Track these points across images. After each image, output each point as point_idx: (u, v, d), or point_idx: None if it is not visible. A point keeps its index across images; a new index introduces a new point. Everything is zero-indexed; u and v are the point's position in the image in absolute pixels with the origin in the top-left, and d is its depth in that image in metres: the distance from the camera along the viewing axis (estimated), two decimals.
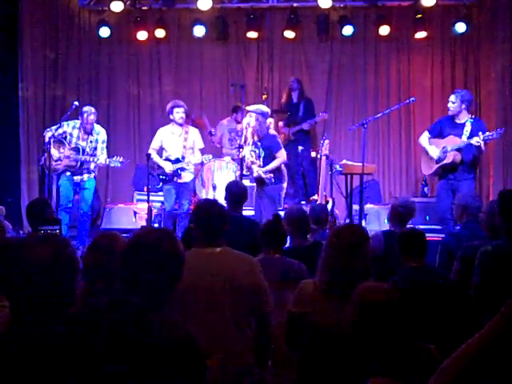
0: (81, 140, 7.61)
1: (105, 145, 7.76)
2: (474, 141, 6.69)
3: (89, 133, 7.65)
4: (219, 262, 3.17)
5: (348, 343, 2.55)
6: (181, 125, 7.67)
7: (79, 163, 7.54)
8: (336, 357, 2.85)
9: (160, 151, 7.75)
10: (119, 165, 7.66)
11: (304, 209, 5.00)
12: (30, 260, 2.04)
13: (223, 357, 3.01)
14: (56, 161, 7.49)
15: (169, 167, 7.59)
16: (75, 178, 7.62)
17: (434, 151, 7.08)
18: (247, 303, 3.15)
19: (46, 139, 7.49)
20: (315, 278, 3.08)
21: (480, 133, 6.73)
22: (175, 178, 7.63)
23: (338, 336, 2.80)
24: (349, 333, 2.44)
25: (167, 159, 7.65)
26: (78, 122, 7.65)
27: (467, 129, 6.89)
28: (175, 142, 7.67)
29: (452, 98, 7.07)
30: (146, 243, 2.16)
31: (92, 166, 7.68)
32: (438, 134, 7.18)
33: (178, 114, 7.61)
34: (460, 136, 6.90)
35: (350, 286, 2.65)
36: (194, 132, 7.84)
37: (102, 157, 7.62)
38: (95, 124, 7.73)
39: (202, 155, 7.71)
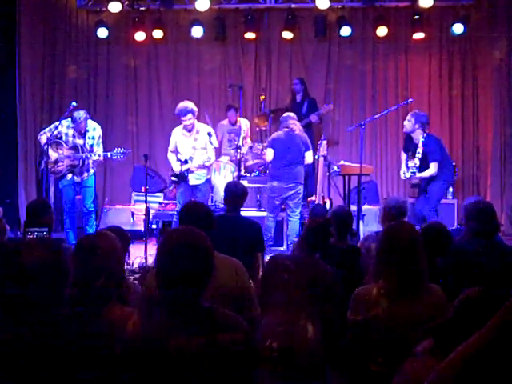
0: (77, 138, 7.50)
1: (100, 140, 7.63)
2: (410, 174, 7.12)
3: (84, 131, 7.54)
4: None
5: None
6: (189, 130, 7.36)
7: (81, 161, 7.41)
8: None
9: (177, 152, 7.44)
10: (122, 156, 7.49)
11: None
12: (22, 262, 2.04)
13: None
14: (56, 163, 7.40)
15: (176, 168, 7.36)
16: (76, 178, 7.49)
17: (403, 168, 7.32)
18: (235, 307, 3.09)
19: (43, 142, 7.42)
20: (370, 282, 3.03)
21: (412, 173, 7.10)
22: (184, 180, 7.39)
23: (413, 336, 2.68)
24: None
25: (179, 160, 7.39)
26: (70, 121, 7.49)
27: (419, 150, 7.09)
28: (185, 142, 7.39)
29: (408, 116, 7.24)
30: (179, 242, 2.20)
31: (91, 162, 7.55)
32: (407, 150, 7.37)
33: (185, 121, 7.26)
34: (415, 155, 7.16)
35: (418, 285, 2.62)
36: (205, 131, 7.43)
37: (99, 152, 7.50)
38: (89, 121, 7.58)
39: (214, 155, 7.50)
